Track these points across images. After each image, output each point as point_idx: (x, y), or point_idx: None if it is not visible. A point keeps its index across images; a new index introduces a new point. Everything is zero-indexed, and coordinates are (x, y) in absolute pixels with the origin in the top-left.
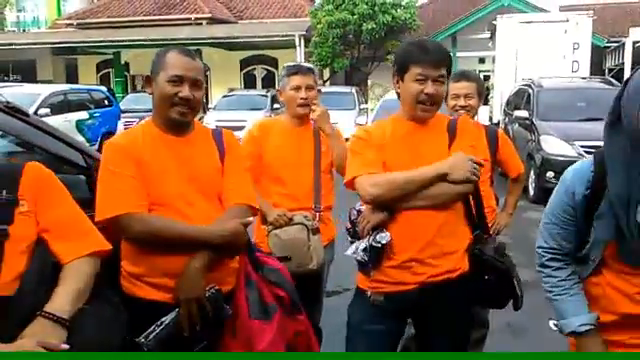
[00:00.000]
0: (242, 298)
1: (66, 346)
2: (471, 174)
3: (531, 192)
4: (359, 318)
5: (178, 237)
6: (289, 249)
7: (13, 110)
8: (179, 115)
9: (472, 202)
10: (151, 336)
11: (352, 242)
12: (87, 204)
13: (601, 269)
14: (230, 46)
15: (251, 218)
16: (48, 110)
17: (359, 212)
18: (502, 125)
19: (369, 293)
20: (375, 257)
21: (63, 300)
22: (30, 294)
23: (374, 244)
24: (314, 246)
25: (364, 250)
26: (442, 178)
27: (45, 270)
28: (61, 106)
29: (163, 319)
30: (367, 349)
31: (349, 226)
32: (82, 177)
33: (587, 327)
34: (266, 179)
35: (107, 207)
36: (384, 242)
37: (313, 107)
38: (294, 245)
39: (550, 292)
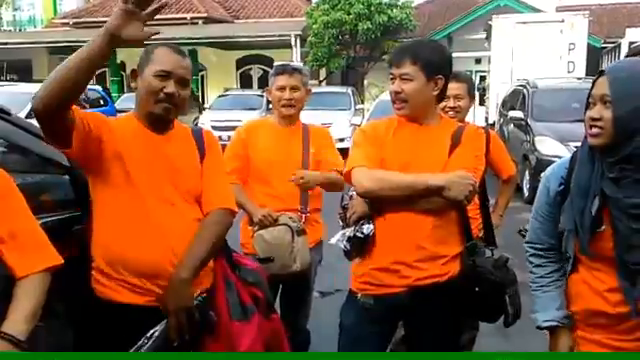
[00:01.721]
0: (222, 300)
1: None
2: (466, 197)
3: (526, 193)
4: (350, 320)
5: None
6: (273, 250)
7: None
8: (162, 111)
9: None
10: (142, 350)
11: (343, 227)
12: (71, 204)
13: (577, 266)
14: (226, 46)
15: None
16: None
17: (351, 197)
18: (497, 126)
19: (359, 296)
20: (357, 247)
21: (20, 319)
22: None
23: (358, 234)
24: (298, 248)
25: (348, 239)
26: (436, 191)
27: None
28: None
29: (152, 331)
30: (357, 351)
31: (341, 211)
32: (66, 177)
33: (550, 323)
34: (253, 179)
35: None
36: (367, 233)
37: (298, 176)
38: (278, 246)
39: (530, 286)
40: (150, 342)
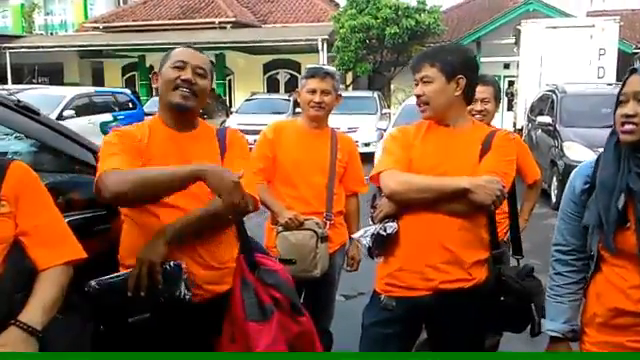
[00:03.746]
0: (238, 301)
1: None
2: (492, 202)
3: (553, 199)
4: (371, 321)
5: (165, 181)
6: (296, 253)
7: (24, 109)
8: (181, 99)
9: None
10: (102, 281)
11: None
12: (97, 204)
13: (601, 265)
14: (254, 50)
15: (241, 171)
16: (73, 112)
17: (381, 197)
18: (525, 131)
19: (382, 297)
20: (379, 245)
21: (38, 310)
22: (5, 300)
23: (381, 232)
24: (320, 254)
25: (370, 236)
26: (463, 194)
27: (21, 276)
28: (86, 108)
29: (119, 273)
30: (377, 351)
31: (371, 210)
32: (93, 177)
33: (554, 333)
34: (278, 181)
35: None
36: (389, 232)
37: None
38: (301, 250)
39: (546, 291)
40: (111, 278)
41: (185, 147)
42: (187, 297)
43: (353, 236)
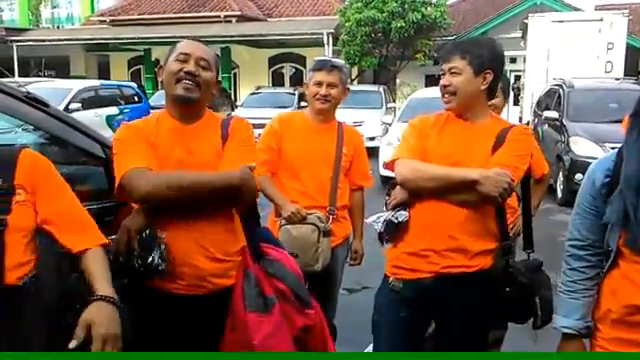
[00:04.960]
0: (239, 292)
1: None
2: (499, 194)
3: (559, 195)
4: (381, 303)
5: (195, 186)
6: (297, 247)
7: (33, 100)
8: (184, 91)
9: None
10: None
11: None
12: (105, 195)
13: (618, 261)
14: (259, 44)
15: (254, 163)
16: (79, 105)
17: (395, 185)
18: (532, 126)
19: (391, 279)
20: (390, 231)
21: (106, 284)
22: (45, 289)
23: (392, 219)
24: (322, 248)
25: (383, 222)
26: (470, 185)
27: (59, 263)
28: (92, 101)
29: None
30: (388, 335)
31: (387, 198)
32: (100, 168)
33: (568, 330)
34: (283, 173)
35: (117, 173)
36: (400, 220)
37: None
38: (303, 244)
39: (559, 286)
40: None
41: (188, 139)
42: (160, 267)
43: (366, 220)
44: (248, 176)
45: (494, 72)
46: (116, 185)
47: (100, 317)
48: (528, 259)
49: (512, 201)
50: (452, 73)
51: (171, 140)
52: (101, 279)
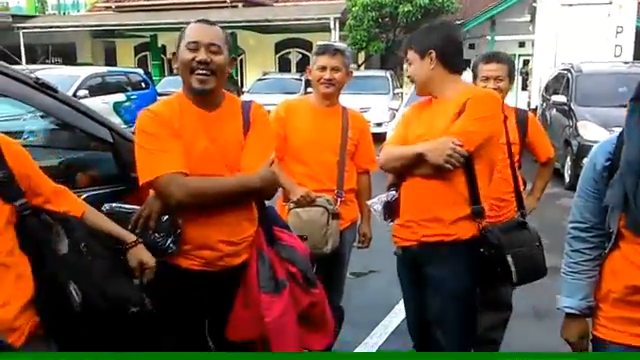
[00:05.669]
0: (253, 272)
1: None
2: (445, 161)
3: (567, 179)
4: (397, 263)
5: (224, 193)
6: (307, 230)
7: (42, 86)
8: (198, 83)
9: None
10: (113, 207)
11: None
12: (115, 179)
13: (619, 242)
14: (265, 29)
15: (273, 154)
16: (86, 92)
17: None
18: (540, 110)
19: (395, 247)
20: (386, 209)
21: (126, 233)
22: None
23: (386, 199)
24: (331, 231)
25: (380, 202)
26: (421, 158)
27: (81, 248)
28: (99, 88)
29: (132, 206)
30: (404, 292)
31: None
32: (109, 154)
33: (571, 310)
34: (289, 158)
35: (148, 170)
36: (388, 199)
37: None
38: (313, 227)
39: (562, 268)
40: (119, 207)
41: (211, 127)
42: (170, 250)
43: (367, 202)
44: (268, 176)
45: (436, 49)
46: (144, 181)
47: (145, 256)
48: (523, 218)
49: (511, 186)
50: (409, 64)
51: (196, 128)
52: (119, 229)
